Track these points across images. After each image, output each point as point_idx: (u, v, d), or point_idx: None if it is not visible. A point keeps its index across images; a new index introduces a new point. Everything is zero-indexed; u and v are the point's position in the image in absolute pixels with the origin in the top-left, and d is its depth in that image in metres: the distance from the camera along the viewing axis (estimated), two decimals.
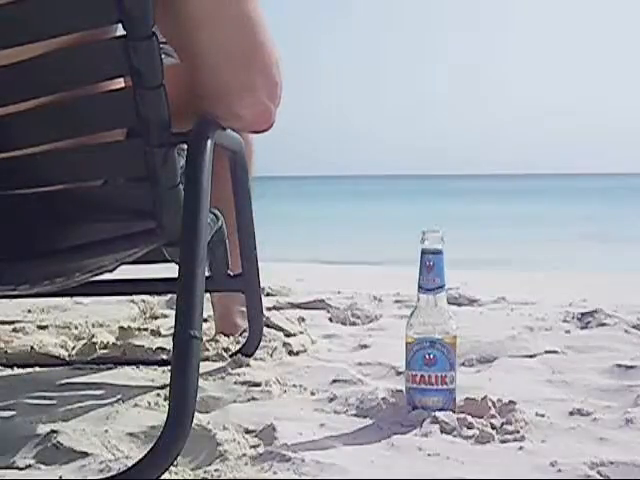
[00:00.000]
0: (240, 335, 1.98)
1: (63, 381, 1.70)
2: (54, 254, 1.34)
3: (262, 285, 1.84)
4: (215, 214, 1.51)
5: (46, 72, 1.19)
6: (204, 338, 1.80)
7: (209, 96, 1.29)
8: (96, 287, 1.79)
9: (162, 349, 1.90)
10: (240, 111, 1.30)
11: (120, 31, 1.15)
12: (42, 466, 1.19)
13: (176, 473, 1.13)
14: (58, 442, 1.23)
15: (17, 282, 1.40)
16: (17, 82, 1.19)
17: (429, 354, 1.34)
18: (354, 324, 2.44)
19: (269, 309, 2.40)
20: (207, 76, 1.27)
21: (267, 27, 1.29)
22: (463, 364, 1.81)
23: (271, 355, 1.87)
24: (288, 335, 2.04)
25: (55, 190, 1.30)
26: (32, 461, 1.20)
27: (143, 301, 2.70)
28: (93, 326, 2.31)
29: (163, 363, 1.80)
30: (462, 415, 1.32)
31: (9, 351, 1.95)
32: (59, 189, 1.30)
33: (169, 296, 2.62)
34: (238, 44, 1.26)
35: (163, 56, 1.18)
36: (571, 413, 1.41)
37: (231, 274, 1.76)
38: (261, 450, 1.21)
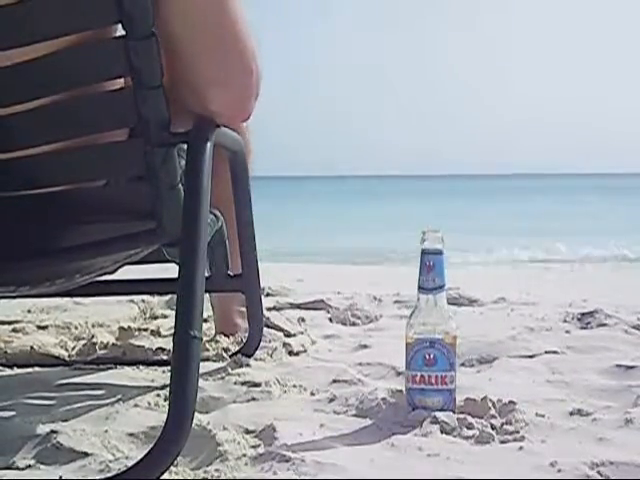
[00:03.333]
0: (240, 335, 1.98)
1: (63, 381, 1.70)
2: (55, 255, 1.34)
3: (262, 285, 1.84)
4: (215, 214, 1.51)
5: (46, 72, 1.19)
6: (204, 338, 1.80)
7: (185, 84, 1.29)
8: (96, 287, 1.79)
9: (162, 349, 1.90)
10: (214, 99, 1.30)
11: (120, 31, 1.15)
12: (42, 466, 1.19)
13: (176, 473, 1.13)
14: (58, 442, 1.23)
15: (18, 283, 1.40)
16: (18, 83, 1.20)
17: (429, 354, 1.34)
18: (354, 324, 2.44)
19: (269, 309, 2.40)
20: (183, 64, 1.27)
21: (244, 17, 1.30)
22: (463, 364, 1.81)
23: (271, 355, 1.87)
24: (288, 335, 2.04)
25: (56, 191, 1.30)
26: (32, 461, 1.20)
27: (143, 301, 2.70)
28: (93, 326, 2.31)
29: (163, 363, 1.80)
30: (462, 415, 1.32)
31: (9, 351, 1.95)
32: (60, 190, 1.30)
33: (169, 296, 2.61)
34: (214, 32, 1.26)
35: None
36: (571, 413, 1.41)
37: (231, 274, 1.76)
38: (261, 450, 1.21)
